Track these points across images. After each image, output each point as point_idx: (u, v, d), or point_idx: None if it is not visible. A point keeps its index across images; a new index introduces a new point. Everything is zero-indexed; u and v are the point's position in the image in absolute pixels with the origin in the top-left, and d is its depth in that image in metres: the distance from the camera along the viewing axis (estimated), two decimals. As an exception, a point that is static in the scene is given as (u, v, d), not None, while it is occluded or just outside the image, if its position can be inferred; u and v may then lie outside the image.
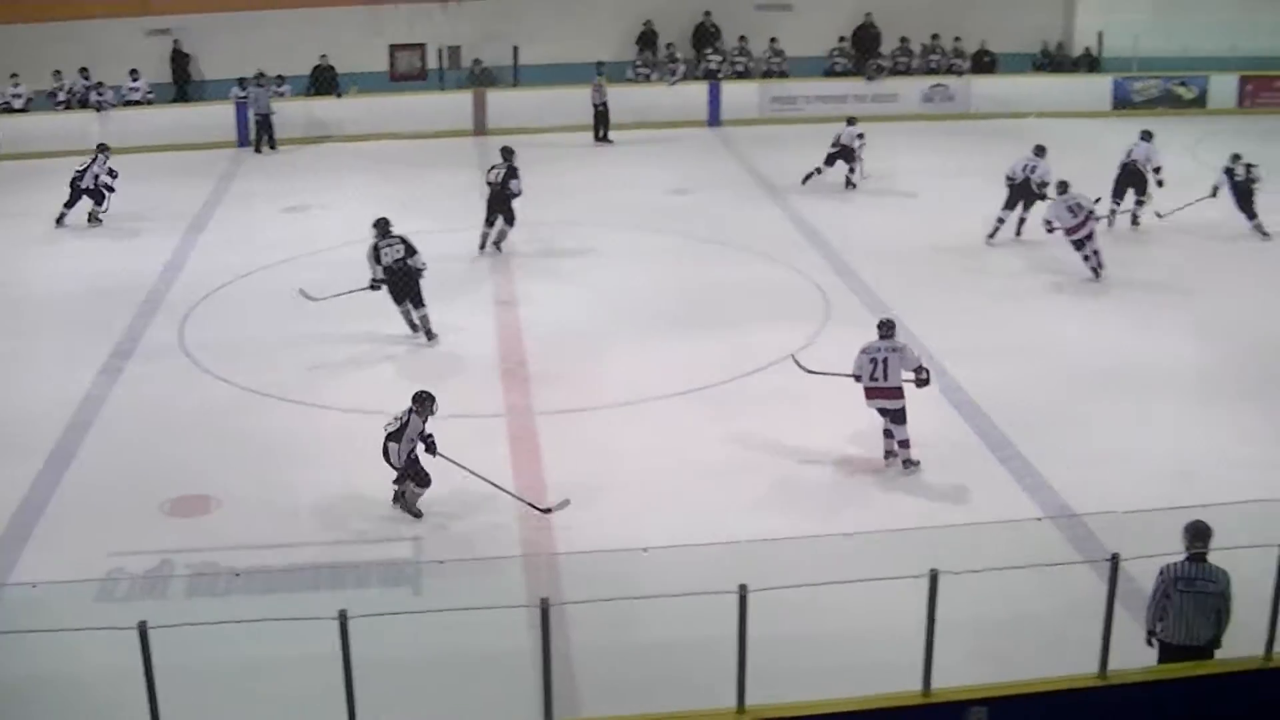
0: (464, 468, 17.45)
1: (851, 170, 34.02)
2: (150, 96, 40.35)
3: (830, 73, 43.82)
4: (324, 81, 40.55)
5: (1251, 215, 29.55)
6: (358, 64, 40.63)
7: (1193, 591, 12.58)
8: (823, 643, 14.48)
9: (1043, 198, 28.42)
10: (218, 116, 39.53)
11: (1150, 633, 12.95)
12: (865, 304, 25.24)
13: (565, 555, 15.76)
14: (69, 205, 30.88)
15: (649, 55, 43.16)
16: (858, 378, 19.04)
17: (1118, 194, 30.29)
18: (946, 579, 11.76)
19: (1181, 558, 12.62)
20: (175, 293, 26.33)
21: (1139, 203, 30.40)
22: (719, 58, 43.28)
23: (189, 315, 24.94)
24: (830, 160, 33.84)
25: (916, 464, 19.02)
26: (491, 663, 13.83)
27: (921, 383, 19.06)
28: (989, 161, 31.99)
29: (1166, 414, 20.76)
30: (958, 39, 44.63)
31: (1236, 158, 29.63)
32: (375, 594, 15.56)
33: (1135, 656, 12.94)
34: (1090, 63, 45.44)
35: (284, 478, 18.64)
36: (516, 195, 28.52)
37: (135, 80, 40.06)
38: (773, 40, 43.59)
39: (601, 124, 40.30)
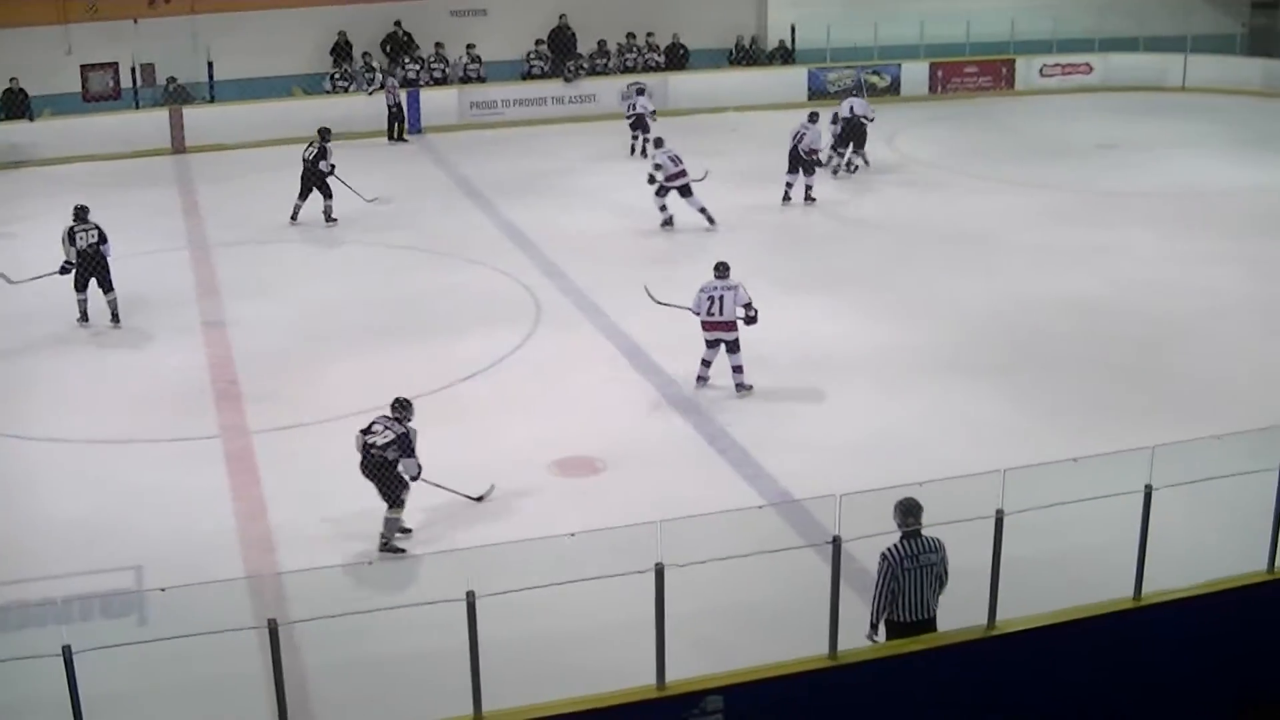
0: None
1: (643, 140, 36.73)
2: None
3: (528, 76, 43.86)
4: (15, 105, 39.61)
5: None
6: (49, 86, 39.73)
7: (918, 566, 12.87)
8: (555, 643, 14.54)
9: (816, 164, 31.49)
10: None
11: (873, 625, 13.21)
12: (576, 304, 25.49)
13: (290, 574, 15.66)
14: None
15: (347, 67, 42.80)
16: (696, 313, 21.39)
17: (791, 170, 32.12)
18: (673, 571, 11.88)
19: (898, 538, 12.93)
20: None
21: (808, 187, 31.61)
22: (417, 65, 43.15)
23: (-114, 353, 24.27)
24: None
25: (750, 388, 21.39)
26: (224, 687, 13.65)
27: (750, 320, 21.25)
28: (689, 155, 32.37)
29: (872, 395, 21.30)
30: (650, 35, 45.03)
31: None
32: (99, 627, 15.30)
33: (864, 636, 13.19)
34: (784, 55, 46.19)
35: (-2, 513, 18.25)
36: (328, 173, 31.51)
37: None
38: (470, 46, 43.56)
39: (397, 123, 41.20)
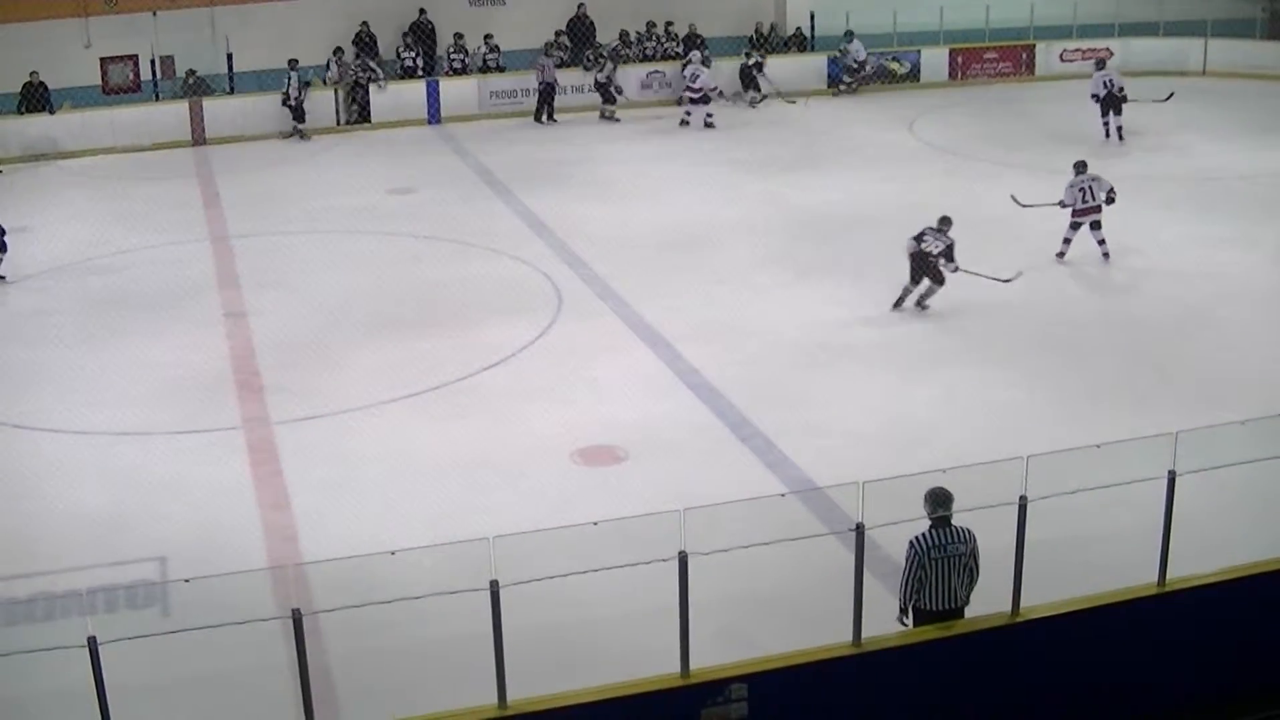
0: None
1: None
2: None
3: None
4: (35, 98, 39.63)
5: None
6: (69, 79, 39.76)
7: (945, 556, 12.85)
8: (579, 632, 14.54)
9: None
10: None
11: (903, 609, 13.20)
12: (597, 293, 25.49)
13: (313, 564, 15.68)
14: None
15: (371, 58, 42.77)
16: (1068, 204, 26.61)
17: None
18: (696, 560, 11.89)
19: (926, 526, 12.91)
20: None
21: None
22: (462, 56, 43.26)
23: (-92, 346, 24.31)
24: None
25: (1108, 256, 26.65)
26: (248, 678, 13.70)
27: (1110, 200, 26.49)
28: (706, 145, 32.45)
29: (893, 383, 21.26)
30: (670, 24, 45.02)
31: None
32: (124, 618, 15.35)
33: (888, 624, 13.17)
34: (800, 42, 46.12)
35: (21, 506, 18.18)
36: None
37: None
38: (488, 36, 43.54)
39: (546, 104, 41.78)
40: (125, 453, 19.74)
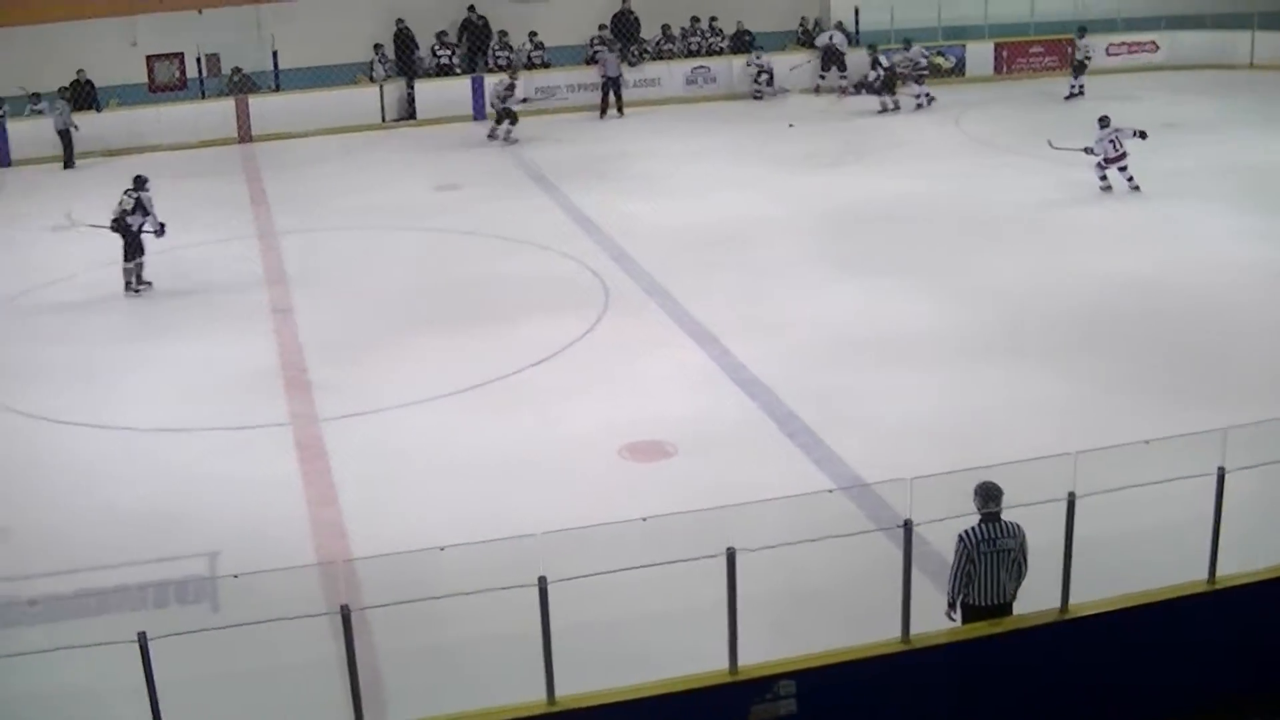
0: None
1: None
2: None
3: (591, 61, 43.69)
4: (82, 96, 39.82)
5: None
6: (116, 77, 39.94)
7: (994, 551, 12.79)
8: (627, 628, 14.53)
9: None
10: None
11: (951, 604, 13.17)
12: (644, 288, 25.48)
13: (361, 560, 15.71)
14: None
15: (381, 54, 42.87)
16: (1095, 152, 30.45)
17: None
18: (744, 556, 11.88)
19: (975, 521, 12.88)
20: (-59, 321, 25.70)
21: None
22: (508, 53, 43.39)
23: (-44, 343, 24.45)
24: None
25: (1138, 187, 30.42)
26: (297, 674, 13.72)
27: (1142, 134, 30.42)
28: (751, 141, 32.47)
29: (940, 378, 21.18)
30: (714, 19, 45.00)
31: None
32: (174, 613, 15.41)
33: (936, 620, 13.11)
34: (845, 37, 46.04)
35: (72, 501, 18.27)
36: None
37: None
38: (532, 34, 43.60)
39: (613, 93, 42.43)
40: (174, 448, 19.83)
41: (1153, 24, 46.26)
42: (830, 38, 44.18)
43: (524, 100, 40.28)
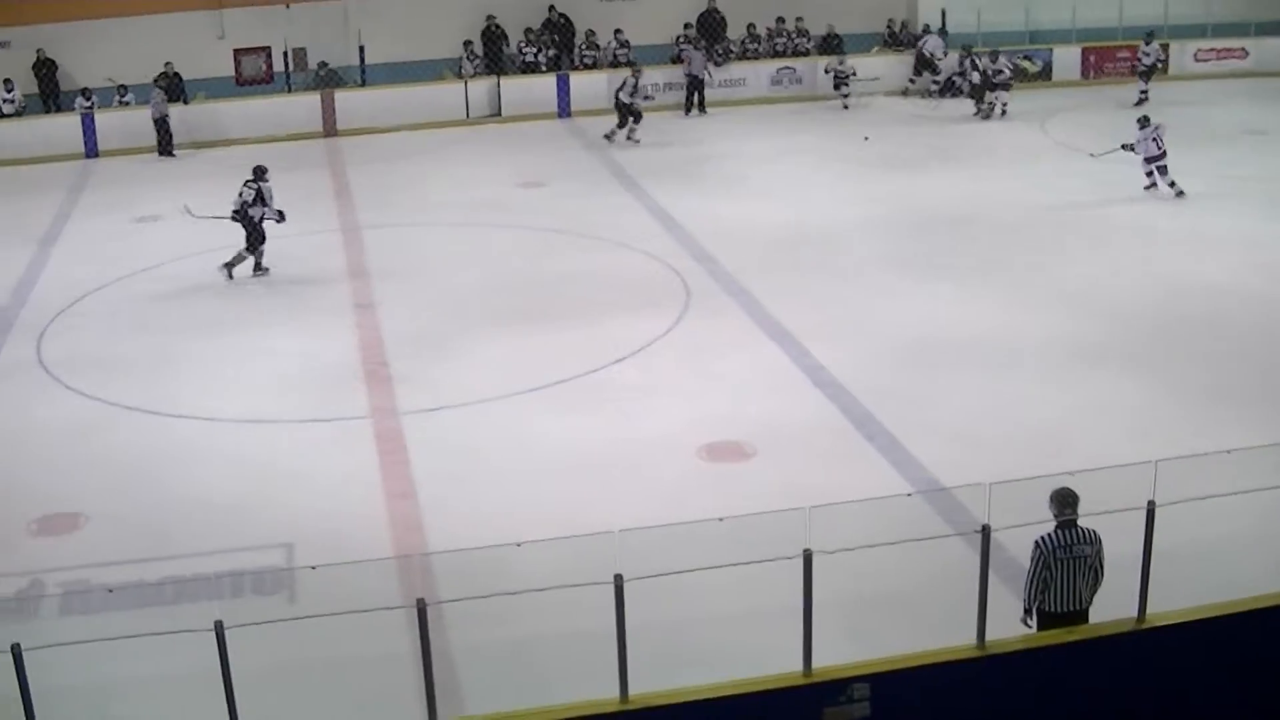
0: None
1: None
2: (23, 107, 39.63)
3: (677, 60, 43.66)
4: (169, 89, 40.06)
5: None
6: (203, 70, 40.19)
7: (1071, 557, 12.70)
8: (702, 627, 14.53)
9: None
10: (64, 128, 38.96)
11: (1027, 610, 13.08)
12: (725, 289, 25.46)
13: (437, 554, 15.76)
14: None
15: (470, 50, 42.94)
16: (1134, 150, 30.94)
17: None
18: (821, 558, 11.83)
19: (1052, 527, 12.78)
20: (29, 309, 25.87)
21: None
22: (594, 52, 43.50)
23: (45, 331, 24.56)
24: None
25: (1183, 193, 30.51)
26: (372, 666, 13.77)
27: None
28: (834, 142, 32.44)
29: (1020, 383, 21.06)
30: (800, 19, 44.91)
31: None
32: (250, 603, 15.50)
33: (1011, 626, 13.01)
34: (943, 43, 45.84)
35: (151, 490, 18.43)
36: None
37: (9, 91, 39.29)
38: (617, 31, 43.64)
39: (696, 93, 42.47)
40: (254, 440, 19.96)
41: (1241, 30, 45.90)
42: (926, 43, 43.89)
43: (647, 98, 40.18)
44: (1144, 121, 31.12)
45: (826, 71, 42.85)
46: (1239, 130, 36.90)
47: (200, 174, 35.42)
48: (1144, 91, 41.54)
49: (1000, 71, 40.30)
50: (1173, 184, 30.72)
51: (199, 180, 34.23)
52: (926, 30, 44.79)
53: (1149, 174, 30.98)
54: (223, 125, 39.33)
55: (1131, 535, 12.62)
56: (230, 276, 26.71)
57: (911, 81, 44.02)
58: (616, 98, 38.46)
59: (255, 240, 26.71)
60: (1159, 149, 30.67)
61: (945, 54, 43.51)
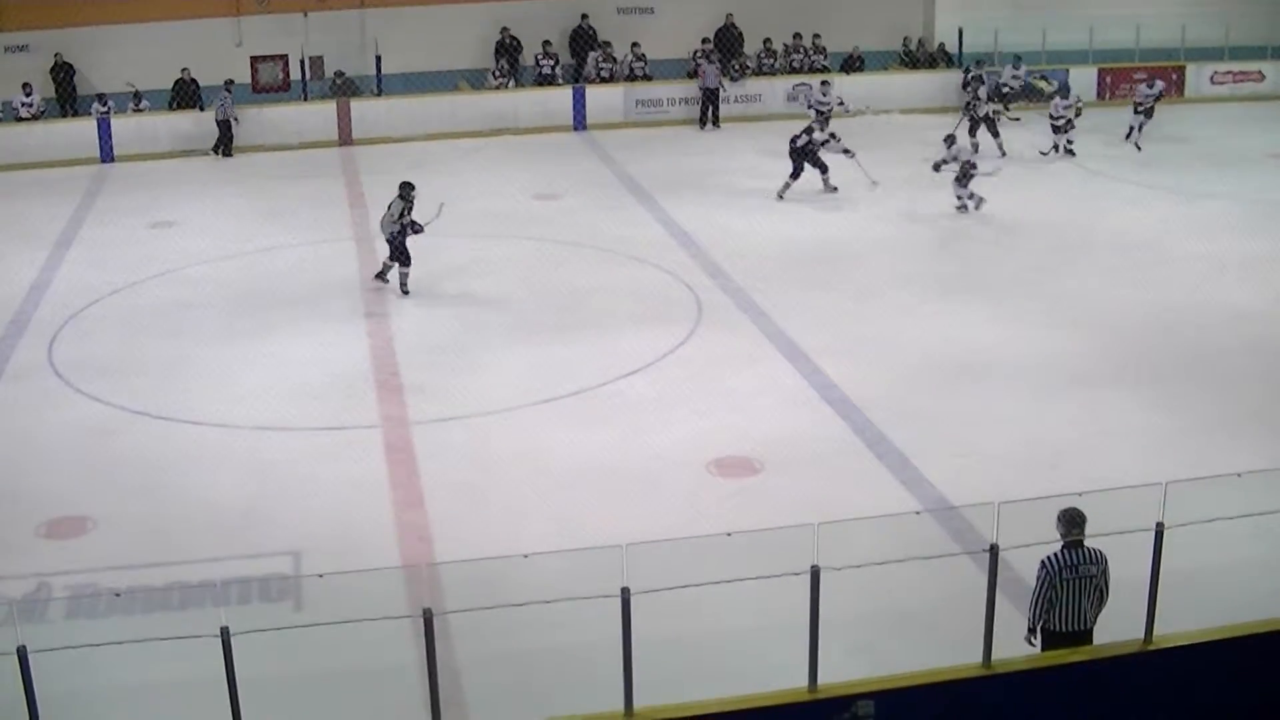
0: None
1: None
2: (41, 111, 39.62)
3: (693, 74, 43.71)
4: (186, 95, 40.15)
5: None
6: (219, 77, 40.19)
7: (1077, 577, 12.70)
8: (708, 642, 14.53)
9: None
10: (81, 133, 39.00)
11: (1031, 629, 13.08)
12: (737, 304, 25.45)
13: (445, 565, 15.76)
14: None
15: (504, 62, 42.94)
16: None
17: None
18: (828, 574, 11.83)
19: (1059, 547, 12.78)
20: (43, 312, 25.90)
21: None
22: (611, 64, 43.54)
23: (57, 335, 24.61)
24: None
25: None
26: (377, 675, 13.80)
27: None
28: (848, 161, 32.46)
29: (1031, 403, 21.05)
30: (817, 36, 44.91)
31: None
32: (257, 610, 15.50)
33: (1018, 645, 13.01)
34: (946, 58, 45.83)
35: (161, 495, 18.44)
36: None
37: (28, 95, 39.33)
38: (634, 45, 43.67)
39: (711, 107, 42.61)
40: (264, 447, 19.96)
41: (1259, 53, 45.86)
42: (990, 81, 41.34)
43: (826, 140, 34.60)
44: (950, 140, 32.66)
45: (792, 99, 42.72)
46: (1261, 154, 36.80)
47: (217, 180, 35.52)
48: (1056, 147, 38.16)
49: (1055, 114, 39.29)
50: (973, 194, 31.43)
51: (215, 186, 34.37)
52: (929, 46, 44.92)
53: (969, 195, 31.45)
54: (239, 133, 39.26)
55: (1139, 556, 12.61)
56: (388, 282, 27.12)
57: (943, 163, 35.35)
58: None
59: (399, 252, 26.76)
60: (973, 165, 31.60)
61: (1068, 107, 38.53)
